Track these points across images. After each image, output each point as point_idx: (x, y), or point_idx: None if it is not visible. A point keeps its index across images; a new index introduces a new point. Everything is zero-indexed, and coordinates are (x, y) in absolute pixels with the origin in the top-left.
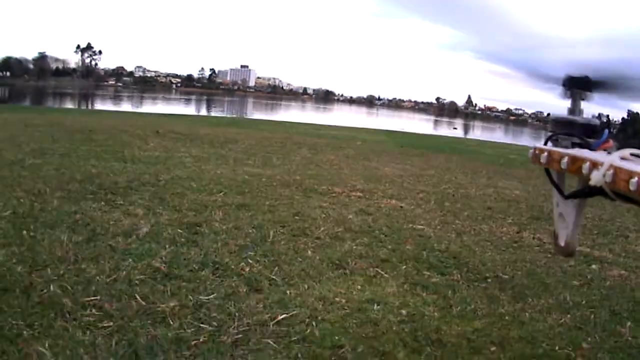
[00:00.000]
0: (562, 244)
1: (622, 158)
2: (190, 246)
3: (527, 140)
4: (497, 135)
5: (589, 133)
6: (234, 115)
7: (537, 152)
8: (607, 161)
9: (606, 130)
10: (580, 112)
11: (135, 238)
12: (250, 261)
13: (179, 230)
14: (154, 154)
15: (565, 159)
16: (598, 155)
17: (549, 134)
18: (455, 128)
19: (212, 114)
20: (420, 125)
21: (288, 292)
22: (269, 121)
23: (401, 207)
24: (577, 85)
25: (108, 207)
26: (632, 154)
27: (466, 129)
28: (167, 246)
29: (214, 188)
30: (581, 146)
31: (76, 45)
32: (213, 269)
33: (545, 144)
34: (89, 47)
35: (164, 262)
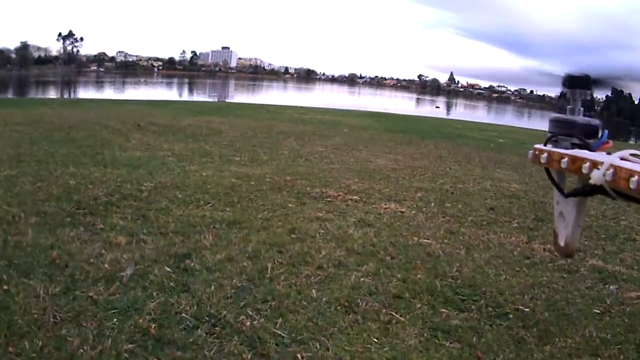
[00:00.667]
0: (562, 244)
1: (622, 158)
2: (181, 292)
3: (511, 119)
4: (481, 114)
5: (589, 134)
6: (216, 100)
7: (537, 152)
8: (607, 161)
9: (606, 131)
10: (580, 112)
11: (118, 284)
12: (250, 312)
13: (167, 269)
14: (136, 154)
15: (565, 159)
16: (598, 155)
17: (549, 134)
18: (437, 107)
19: (194, 98)
20: (403, 104)
21: (299, 355)
22: (251, 105)
23: (402, 212)
24: (577, 85)
25: (87, 234)
26: (632, 155)
27: (449, 107)
28: (154, 294)
29: (201, 198)
30: (581, 147)
31: (58, 33)
32: (209, 325)
33: (545, 144)
34: (70, 34)
35: (153, 318)
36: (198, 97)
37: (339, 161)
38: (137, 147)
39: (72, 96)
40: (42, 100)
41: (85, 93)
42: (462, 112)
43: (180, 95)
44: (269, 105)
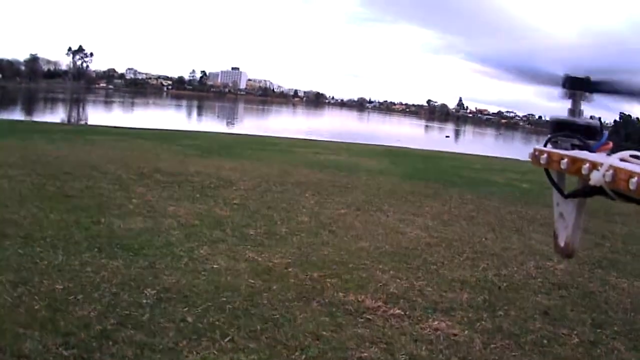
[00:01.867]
0: (562, 244)
1: (622, 160)
2: None
3: (522, 150)
4: (490, 142)
5: (589, 135)
6: (225, 128)
7: (536, 153)
8: (606, 162)
9: (606, 132)
10: (580, 113)
11: None
12: None
13: None
14: (137, 224)
15: (565, 160)
16: (598, 157)
17: (549, 135)
18: (447, 136)
19: (203, 125)
20: (413, 132)
21: None
22: (262, 140)
23: (455, 336)
24: (578, 86)
25: None
26: (631, 156)
27: (458, 134)
28: None
29: (216, 321)
30: (581, 148)
31: (68, 47)
32: None
33: (545, 145)
34: (80, 49)
35: None
36: (207, 123)
37: (367, 233)
38: (139, 210)
39: (78, 118)
40: (46, 127)
41: (93, 115)
42: (472, 139)
43: (189, 119)
44: (280, 139)
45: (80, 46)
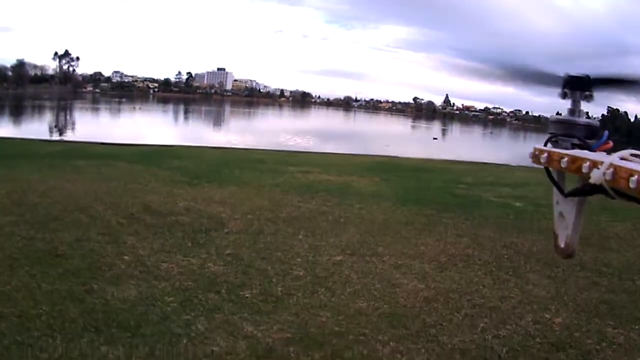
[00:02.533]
0: (562, 244)
1: (622, 158)
2: None
3: (511, 151)
4: (480, 143)
5: (589, 134)
6: (212, 141)
7: (537, 152)
8: (607, 160)
9: (606, 132)
10: (580, 113)
11: None
12: None
13: None
14: (129, 291)
15: (565, 159)
16: (598, 155)
17: (549, 134)
18: (435, 138)
19: (189, 137)
20: (401, 134)
21: None
22: (250, 157)
23: None
24: (577, 86)
25: None
26: (632, 155)
27: (445, 134)
28: None
29: None
30: (581, 147)
31: (54, 52)
32: None
33: (545, 145)
34: (66, 54)
35: None
36: (193, 132)
37: (364, 289)
38: (131, 271)
39: (64, 130)
40: (31, 148)
41: (79, 126)
42: (459, 140)
43: (175, 127)
44: (268, 153)
45: (67, 50)
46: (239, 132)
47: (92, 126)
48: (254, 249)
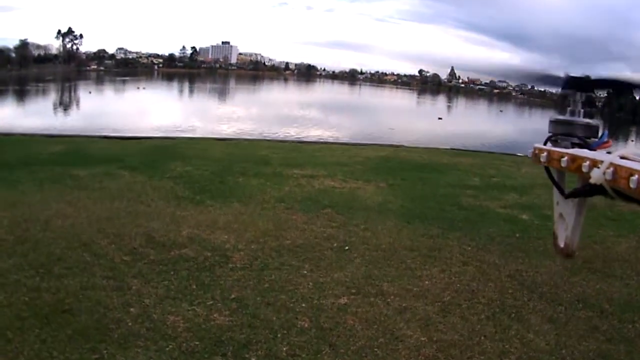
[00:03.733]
0: (562, 244)
1: (622, 157)
2: None
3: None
4: (486, 123)
5: (589, 134)
6: (216, 129)
7: (537, 152)
8: (607, 159)
9: (605, 131)
10: (580, 113)
11: None
12: None
13: None
14: None
15: (565, 158)
16: (598, 154)
17: (549, 134)
18: (440, 118)
19: (192, 116)
20: (406, 112)
21: None
22: (254, 155)
23: None
24: (578, 87)
25: None
26: (632, 154)
27: (451, 111)
28: None
29: None
30: (581, 146)
31: (57, 31)
32: None
33: (545, 144)
34: (69, 31)
35: None
36: (197, 113)
37: (367, 345)
38: (138, 329)
39: (66, 113)
40: (32, 150)
41: (82, 108)
42: (465, 119)
43: (179, 105)
44: (273, 144)
45: (70, 28)
46: (244, 116)
47: (94, 112)
48: (258, 291)
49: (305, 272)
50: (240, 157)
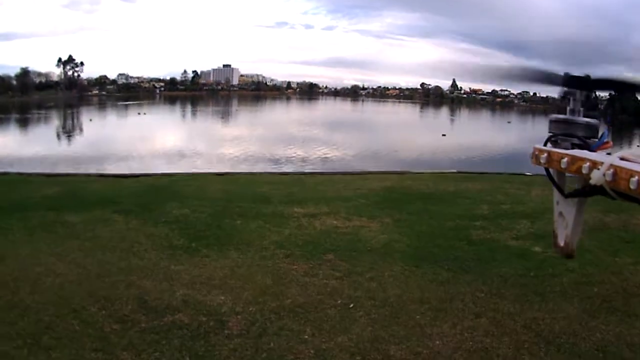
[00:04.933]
0: (562, 244)
1: (622, 158)
2: None
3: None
4: (493, 138)
5: (589, 134)
6: (215, 164)
7: (537, 153)
8: (607, 161)
9: (605, 131)
10: (580, 112)
11: None
12: None
13: None
14: None
15: (565, 159)
16: (598, 156)
17: (549, 134)
18: (444, 135)
19: (191, 146)
20: (410, 130)
21: None
22: (254, 193)
23: None
24: (578, 86)
25: None
26: (632, 155)
27: (454, 123)
28: None
29: None
30: (581, 147)
31: (57, 59)
32: None
33: (545, 144)
34: (70, 59)
35: None
36: (196, 143)
37: None
38: None
39: (64, 144)
40: (25, 191)
41: (79, 141)
42: (471, 134)
43: (179, 133)
44: (273, 179)
45: (70, 56)
46: (246, 141)
47: (93, 144)
48: None
49: (307, 336)
50: (239, 195)
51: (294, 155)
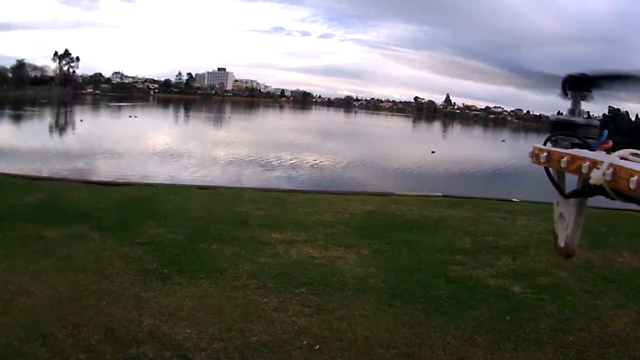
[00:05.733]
0: (562, 244)
1: (622, 158)
2: None
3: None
4: (486, 158)
5: (589, 134)
6: (200, 173)
7: (536, 152)
8: (607, 160)
9: (605, 131)
10: (580, 112)
11: None
12: None
13: None
14: None
15: (565, 158)
16: (598, 155)
17: (549, 134)
18: (433, 152)
19: (178, 155)
20: (400, 145)
21: None
22: (234, 212)
23: None
24: (577, 86)
25: None
26: (632, 154)
27: (446, 138)
28: None
29: None
30: (580, 147)
31: (54, 53)
32: None
33: (545, 144)
34: (66, 54)
35: None
36: (184, 153)
37: None
38: None
39: (58, 139)
40: (8, 197)
41: (69, 143)
42: (461, 153)
43: (168, 139)
44: (255, 197)
45: (67, 50)
46: (233, 151)
47: (82, 146)
48: None
49: None
50: (218, 214)
51: (281, 165)
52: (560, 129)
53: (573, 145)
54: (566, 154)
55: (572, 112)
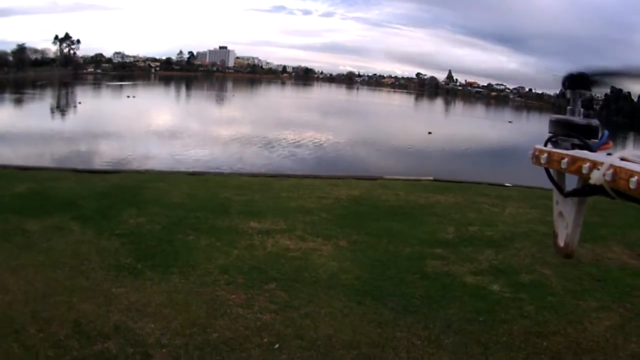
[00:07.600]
0: (562, 244)
1: (622, 159)
2: None
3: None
4: (488, 139)
5: (589, 134)
6: (192, 155)
7: (537, 153)
8: (607, 161)
9: (606, 132)
10: (580, 113)
11: None
12: None
13: None
14: None
15: (566, 159)
16: (598, 156)
17: (549, 135)
18: (430, 132)
19: (172, 137)
20: (398, 122)
21: None
22: (221, 200)
23: None
24: (577, 85)
25: None
26: (632, 155)
27: (447, 114)
28: None
29: None
30: (581, 147)
31: (54, 36)
32: None
33: (545, 145)
34: (67, 37)
35: None
36: (179, 134)
37: None
38: None
39: (55, 121)
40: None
41: (64, 128)
42: (462, 132)
43: (164, 118)
44: (243, 182)
45: (67, 33)
46: (228, 133)
47: (75, 130)
48: None
49: None
50: (200, 201)
51: (276, 146)
52: (560, 129)
53: (573, 146)
54: (566, 155)
55: (572, 111)
